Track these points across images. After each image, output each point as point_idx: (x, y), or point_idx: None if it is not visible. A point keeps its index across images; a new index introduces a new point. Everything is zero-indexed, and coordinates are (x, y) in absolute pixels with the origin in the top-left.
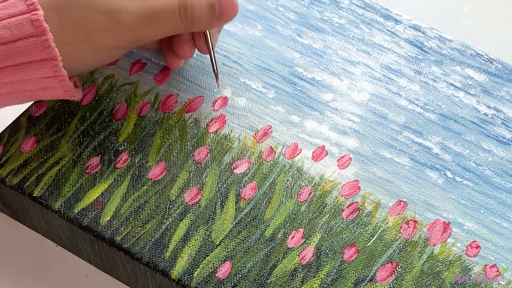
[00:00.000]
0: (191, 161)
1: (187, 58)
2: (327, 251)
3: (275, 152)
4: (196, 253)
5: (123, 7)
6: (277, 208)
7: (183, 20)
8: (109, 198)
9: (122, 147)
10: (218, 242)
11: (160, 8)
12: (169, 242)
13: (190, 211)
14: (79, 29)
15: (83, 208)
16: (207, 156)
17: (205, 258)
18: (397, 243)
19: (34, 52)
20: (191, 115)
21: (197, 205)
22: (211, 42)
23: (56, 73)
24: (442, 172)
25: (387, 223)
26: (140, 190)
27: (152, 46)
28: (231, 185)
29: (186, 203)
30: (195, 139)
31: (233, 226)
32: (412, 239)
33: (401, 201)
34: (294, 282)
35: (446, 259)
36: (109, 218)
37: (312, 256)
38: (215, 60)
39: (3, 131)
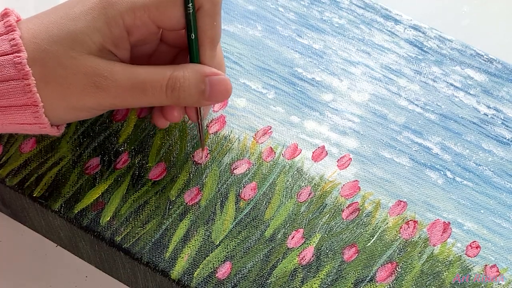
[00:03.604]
0: (191, 161)
1: (174, 121)
2: (327, 251)
3: (275, 152)
4: (196, 253)
5: (109, 73)
6: (277, 209)
7: (169, 99)
8: (109, 199)
9: (122, 148)
10: (218, 242)
11: (148, 83)
12: (169, 242)
13: (190, 211)
14: (59, 88)
15: (83, 209)
16: (207, 156)
17: (205, 258)
18: (397, 243)
19: (14, 95)
20: None
21: (197, 205)
22: (201, 114)
23: (37, 120)
24: (442, 172)
25: (387, 223)
26: (140, 191)
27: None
28: (231, 186)
29: (186, 204)
30: (195, 140)
31: (233, 227)
32: (412, 239)
33: (401, 201)
34: (294, 282)
35: (446, 259)
36: (109, 218)
37: (312, 256)
38: (203, 131)
39: None
